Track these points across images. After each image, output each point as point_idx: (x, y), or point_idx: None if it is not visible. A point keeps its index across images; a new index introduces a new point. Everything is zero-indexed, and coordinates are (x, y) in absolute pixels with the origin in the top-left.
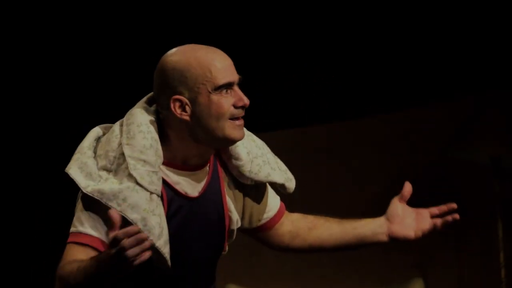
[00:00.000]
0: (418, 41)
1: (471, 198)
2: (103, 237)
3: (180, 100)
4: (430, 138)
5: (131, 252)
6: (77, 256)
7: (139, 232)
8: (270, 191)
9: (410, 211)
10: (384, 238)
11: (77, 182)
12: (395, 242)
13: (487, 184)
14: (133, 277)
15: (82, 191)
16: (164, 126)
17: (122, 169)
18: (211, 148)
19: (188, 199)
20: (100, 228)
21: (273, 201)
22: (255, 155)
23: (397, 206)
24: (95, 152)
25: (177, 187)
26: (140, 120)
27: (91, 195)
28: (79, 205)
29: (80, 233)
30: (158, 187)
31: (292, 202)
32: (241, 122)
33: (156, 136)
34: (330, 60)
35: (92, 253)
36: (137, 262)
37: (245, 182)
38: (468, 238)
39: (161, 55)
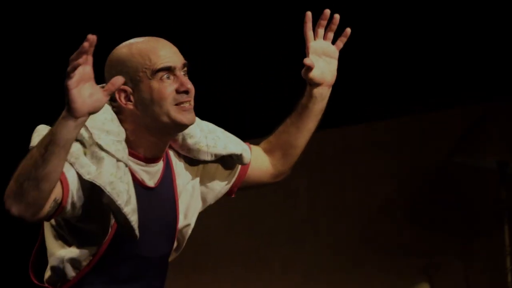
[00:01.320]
0: (428, 46)
1: (477, 203)
2: (70, 179)
3: (124, 90)
4: (437, 143)
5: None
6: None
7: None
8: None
9: (322, 59)
10: (325, 90)
11: None
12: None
13: (493, 189)
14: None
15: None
16: (119, 121)
17: (86, 139)
18: (165, 136)
19: (146, 189)
20: (70, 173)
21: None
22: (208, 131)
23: (311, 71)
24: None
25: (136, 175)
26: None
27: (71, 163)
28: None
29: None
30: (124, 155)
31: (301, 206)
32: (188, 107)
33: (114, 116)
34: (338, 64)
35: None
36: (75, 66)
37: (205, 158)
38: (474, 243)
39: None
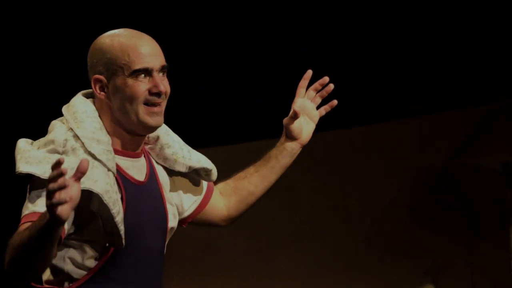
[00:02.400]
0: (430, 46)
1: (481, 204)
2: None
3: (100, 80)
4: (442, 145)
5: (55, 196)
6: None
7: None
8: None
9: (305, 103)
10: (288, 146)
11: (33, 173)
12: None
13: (497, 190)
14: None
15: (32, 181)
16: (99, 111)
17: (77, 148)
18: (134, 134)
19: (137, 184)
20: None
21: (200, 185)
22: (182, 144)
23: (295, 106)
24: (36, 147)
25: (127, 172)
26: (84, 108)
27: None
28: (32, 192)
29: (34, 212)
30: (114, 165)
31: (304, 207)
32: (158, 109)
33: (101, 122)
34: (341, 65)
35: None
36: (58, 198)
37: (180, 169)
38: (479, 244)
39: None
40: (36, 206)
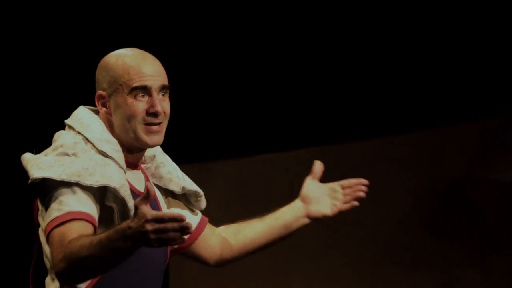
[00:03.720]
0: (445, 59)
1: (496, 217)
2: (92, 212)
3: (103, 97)
4: (456, 157)
5: (171, 235)
6: (79, 231)
7: (182, 219)
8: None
9: (324, 188)
10: (305, 220)
11: (48, 177)
12: (317, 221)
13: None
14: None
15: (46, 186)
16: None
17: (87, 150)
18: (132, 149)
19: (138, 195)
20: (87, 204)
21: (193, 214)
22: (176, 166)
23: (310, 186)
24: (43, 155)
25: (129, 181)
26: (88, 115)
27: (67, 181)
28: (51, 195)
29: (69, 212)
30: (124, 164)
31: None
32: (156, 128)
33: (105, 126)
34: (353, 78)
35: (90, 227)
36: (171, 243)
37: (174, 189)
38: (493, 258)
39: None
40: (69, 206)
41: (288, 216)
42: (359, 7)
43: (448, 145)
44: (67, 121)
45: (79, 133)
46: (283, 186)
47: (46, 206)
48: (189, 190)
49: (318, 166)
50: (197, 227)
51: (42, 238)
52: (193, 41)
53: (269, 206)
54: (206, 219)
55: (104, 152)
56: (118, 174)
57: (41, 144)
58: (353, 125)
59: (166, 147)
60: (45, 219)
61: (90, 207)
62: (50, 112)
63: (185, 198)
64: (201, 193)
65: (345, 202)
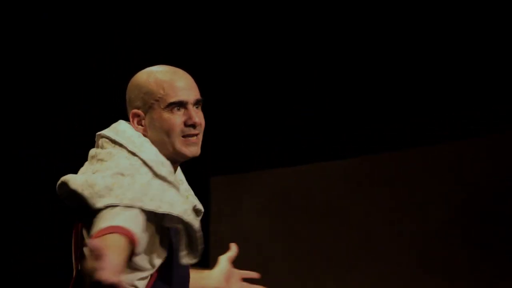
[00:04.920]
0: (484, 67)
1: None
2: (136, 232)
3: (138, 115)
4: (496, 168)
5: None
6: (115, 242)
7: None
8: None
9: (234, 271)
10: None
11: (111, 205)
12: None
13: None
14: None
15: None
16: None
17: (143, 173)
18: (171, 162)
19: None
20: (137, 225)
21: None
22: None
23: (228, 264)
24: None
25: None
26: (136, 133)
27: (130, 205)
28: (103, 215)
29: (112, 226)
30: (178, 184)
31: (356, 231)
32: (194, 140)
33: None
34: (396, 87)
35: (128, 245)
36: None
37: None
38: None
39: None
40: (119, 222)
41: (210, 281)
42: (359, 7)
43: (487, 155)
44: (112, 136)
45: (133, 154)
46: (319, 196)
47: (98, 221)
48: (197, 209)
49: (234, 250)
50: None
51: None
52: (227, 53)
53: (305, 216)
54: None
55: (163, 176)
56: (178, 198)
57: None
58: (389, 135)
59: (205, 159)
60: (92, 230)
61: (138, 232)
62: (50, 112)
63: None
64: (203, 212)
65: None
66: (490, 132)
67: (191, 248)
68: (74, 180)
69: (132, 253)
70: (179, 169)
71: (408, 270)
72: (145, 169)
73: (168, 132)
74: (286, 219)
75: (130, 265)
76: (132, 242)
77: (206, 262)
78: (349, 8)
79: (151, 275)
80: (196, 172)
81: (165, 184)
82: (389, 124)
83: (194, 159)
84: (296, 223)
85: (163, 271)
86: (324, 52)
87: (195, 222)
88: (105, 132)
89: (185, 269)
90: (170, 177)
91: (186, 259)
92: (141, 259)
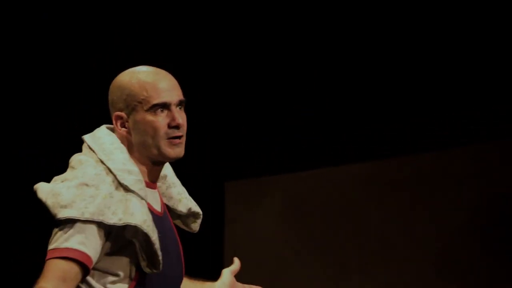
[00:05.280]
0: (500, 68)
1: None
2: (90, 252)
3: (121, 117)
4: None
5: None
6: (65, 273)
7: None
8: None
9: (237, 285)
10: None
11: (72, 217)
12: None
13: None
14: None
15: (66, 221)
16: None
17: (107, 182)
18: (152, 165)
19: (157, 216)
20: (93, 245)
21: None
22: (184, 188)
23: (231, 277)
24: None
25: (149, 202)
26: (110, 139)
27: (91, 219)
28: (65, 229)
29: (67, 248)
30: (146, 194)
31: (373, 237)
32: (178, 141)
33: (128, 152)
34: (409, 94)
35: (80, 270)
36: None
37: (182, 210)
38: None
39: None
40: (71, 243)
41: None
42: (359, 7)
43: (504, 158)
44: (88, 141)
45: (101, 161)
46: (334, 200)
47: (56, 232)
48: (193, 212)
49: (238, 263)
50: None
51: None
52: (238, 56)
53: (320, 220)
54: None
55: (125, 186)
56: (140, 208)
57: (41, 144)
58: (407, 138)
59: (223, 163)
60: (49, 243)
61: (92, 247)
62: (50, 112)
63: (181, 219)
64: (201, 215)
65: None
66: (508, 135)
67: (151, 259)
68: (42, 188)
69: (86, 274)
70: (171, 172)
71: (424, 276)
72: (110, 178)
73: (152, 135)
74: (301, 224)
75: (99, 270)
76: (86, 265)
77: (221, 267)
78: (349, 8)
79: (130, 283)
80: (210, 176)
81: (128, 194)
82: (405, 128)
83: (208, 164)
84: (311, 227)
85: (140, 280)
86: (341, 54)
87: (153, 233)
88: (85, 136)
89: (171, 278)
90: (136, 186)
91: (146, 269)
92: (110, 267)
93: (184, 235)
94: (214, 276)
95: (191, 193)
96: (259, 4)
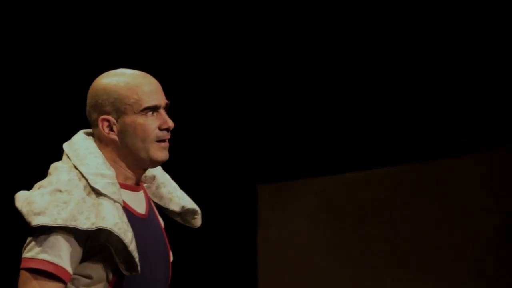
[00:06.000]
0: None
1: None
2: (67, 266)
3: (108, 120)
4: None
5: None
6: (43, 287)
7: None
8: None
9: None
10: None
11: (45, 225)
12: None
13: None
14: None
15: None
16: (100, 149)
17: (80, 187)
18: (138, 168)
19: (139, 217)
20: (68, 254)
21: None
22: (176, 185)
23: None
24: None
25: (129, 204)
26: (85, 144)
27: (64, 226)
28: (41, 237)
29: (43, 260)
30: (120, 196)
31: (405, 240)
32: (166, 144)
33: (103, 156)
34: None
35: (57, 285)
36: None
37: (174, 208)
38: None
39: None
40: (46, 254)
41: None
42: (359, 7)
43: None
44: (65, 148)
45: (75, 167)
46: (366, 204)
47: (31, 242)
48: (188, 209)
49: None
50: None
51: None
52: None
53: (352, 223)
54: None
55: (97, 189)
56: (112, 211)
57: (41, 144)
58: (440, 141)
59: (251, 167)
60: (24, 249)
61: (69, 258)
62: (50, 112)
63: (180, 216)
64: (199, 211)
65: None
66: None
67: (128, 262)
68: (19, 197)
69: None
70: (160, 172)
71: (458, 281)
72: (83, 183)
73: (142, 137)
74: (333, 227)
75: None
76: (63, 280)
77: (255, 269)
78: (349, 8)
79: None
80: (243, 179)
81: (100, 198)
82: (438, 131)
83: (240, 169)
84: (343, 230)
85: (117, 283)
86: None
87: (125, 236)
88: (64, 144)
89: (153, 280)
90: (108, 189)
91: (126, 272)
92: (85, 271)
93: (217, 238)
94: (246, 279)
95: (222, 197)
96: (260, 4)
